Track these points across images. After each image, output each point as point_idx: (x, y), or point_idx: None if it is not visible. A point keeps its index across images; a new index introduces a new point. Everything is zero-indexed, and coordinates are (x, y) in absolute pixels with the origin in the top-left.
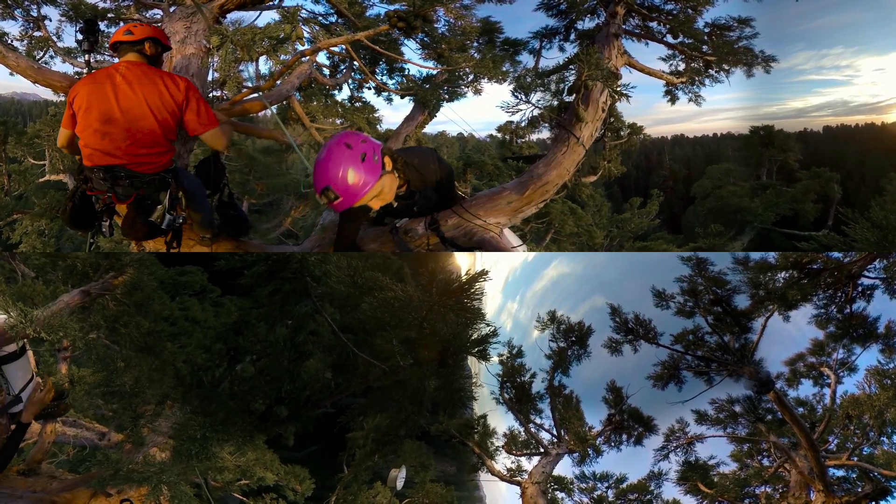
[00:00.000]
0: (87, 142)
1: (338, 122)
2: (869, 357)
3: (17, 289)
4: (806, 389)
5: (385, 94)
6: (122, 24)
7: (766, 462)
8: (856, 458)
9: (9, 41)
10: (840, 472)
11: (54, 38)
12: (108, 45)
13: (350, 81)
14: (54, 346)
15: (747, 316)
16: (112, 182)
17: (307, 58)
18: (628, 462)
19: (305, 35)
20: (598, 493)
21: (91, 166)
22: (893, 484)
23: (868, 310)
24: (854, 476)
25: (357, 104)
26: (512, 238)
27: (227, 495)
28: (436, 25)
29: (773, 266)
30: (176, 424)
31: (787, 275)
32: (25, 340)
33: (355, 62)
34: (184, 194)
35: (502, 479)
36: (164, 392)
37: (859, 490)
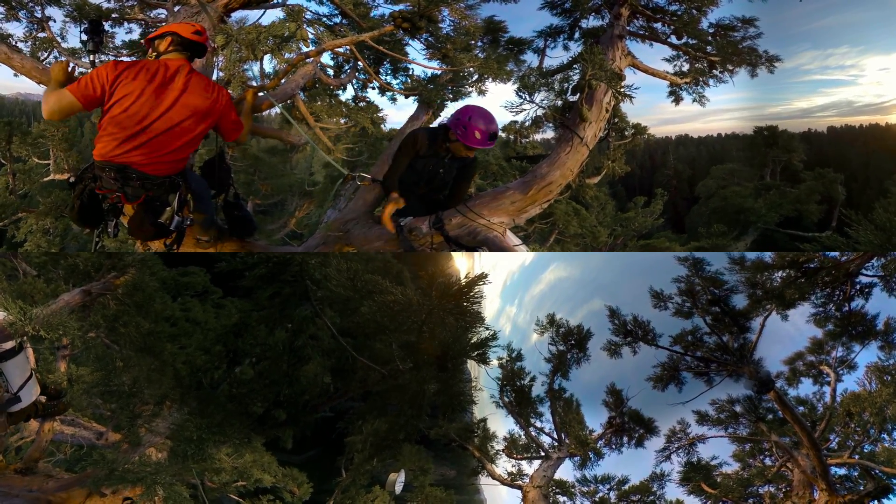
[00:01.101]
0: (110, 137)
1: (342, 121)
2: (868, 354)
3: (18, 286)
4: (806, 388)
5: (389, 94)
6: (126, 24)
7: (768, 461)
8: (857, 457)
9: (13, 42)
10: (842, 471)
11: (58, 39)
12: (167, 38)
13: (354, 81)
14: (54, 344)
15: (745, 315)
16: (122, 182)
17: (312, 58)
18: (630, 464)
19: (310, 36)
20: (601, 495)
21: (103, 163)
22: (895, 481)
23: (866, 307)
24: (856, 474)
25: (361, 104)
26: (513, 240)
27: (224, 496)
28: (440, 25)
29: (770, 265)
30: (173, 425)
31: (785, 274)
32: (24, 338)
33: (359, 62)
34: (192, 196)
35: (503, 482)
36: (163, 393)
37: (861, 488)
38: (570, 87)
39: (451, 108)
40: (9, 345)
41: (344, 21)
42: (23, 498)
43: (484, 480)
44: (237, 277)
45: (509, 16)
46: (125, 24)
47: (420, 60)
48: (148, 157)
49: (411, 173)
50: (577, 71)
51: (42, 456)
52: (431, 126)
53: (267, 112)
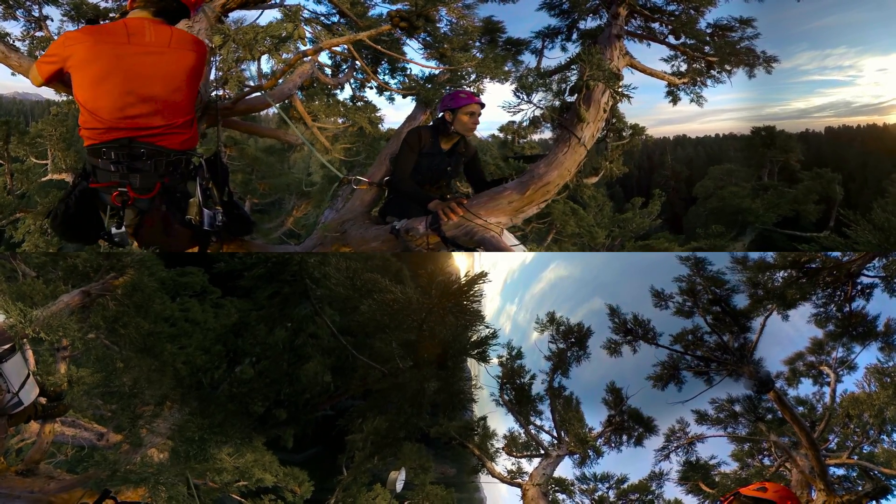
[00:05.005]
0: (99, 112)
1: (340, 121)
2: (868, 355)
3: (17, 288)
4: (806, 388)
5: (387, 93)
6: None
7: (766, 461)
8: (856, 457)
9: (11, 41)
10: (840, 471)
11: (56, 39)
12: None
13: (352, 81)
14: (53, 345)
15: (746, 315)
16: (128, 165)
17: (309, 57)
18: (629, 463)
19: (308, 35)
20: (600, 493)
21: (99, 144)
22: (893, 482)
23: (867, 308)
24: (854, 475)
25: (359, 104)
26: (510, 240)
27: (226, 496)
28: (438, 25)
29: (772, 265)
30: (174, 426)
31: (786, 274)
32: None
33: (357, 62)
34: (215, 185)
35: (503, 480)
36: (164, 393)
37: (860, 489)
38: (568, 87)
39: None
40: (8, 346)
41: (342, 20)
42: (24, 499)
43: (484, 479)
44: (235, 277)
45: (507, 16)
46: None
47: (418, 60)
48: (153, 116)
49: (415, 174)
50: (575, 72)
51: (43, 457)
52: (427, 125)
53: (264, 112)
